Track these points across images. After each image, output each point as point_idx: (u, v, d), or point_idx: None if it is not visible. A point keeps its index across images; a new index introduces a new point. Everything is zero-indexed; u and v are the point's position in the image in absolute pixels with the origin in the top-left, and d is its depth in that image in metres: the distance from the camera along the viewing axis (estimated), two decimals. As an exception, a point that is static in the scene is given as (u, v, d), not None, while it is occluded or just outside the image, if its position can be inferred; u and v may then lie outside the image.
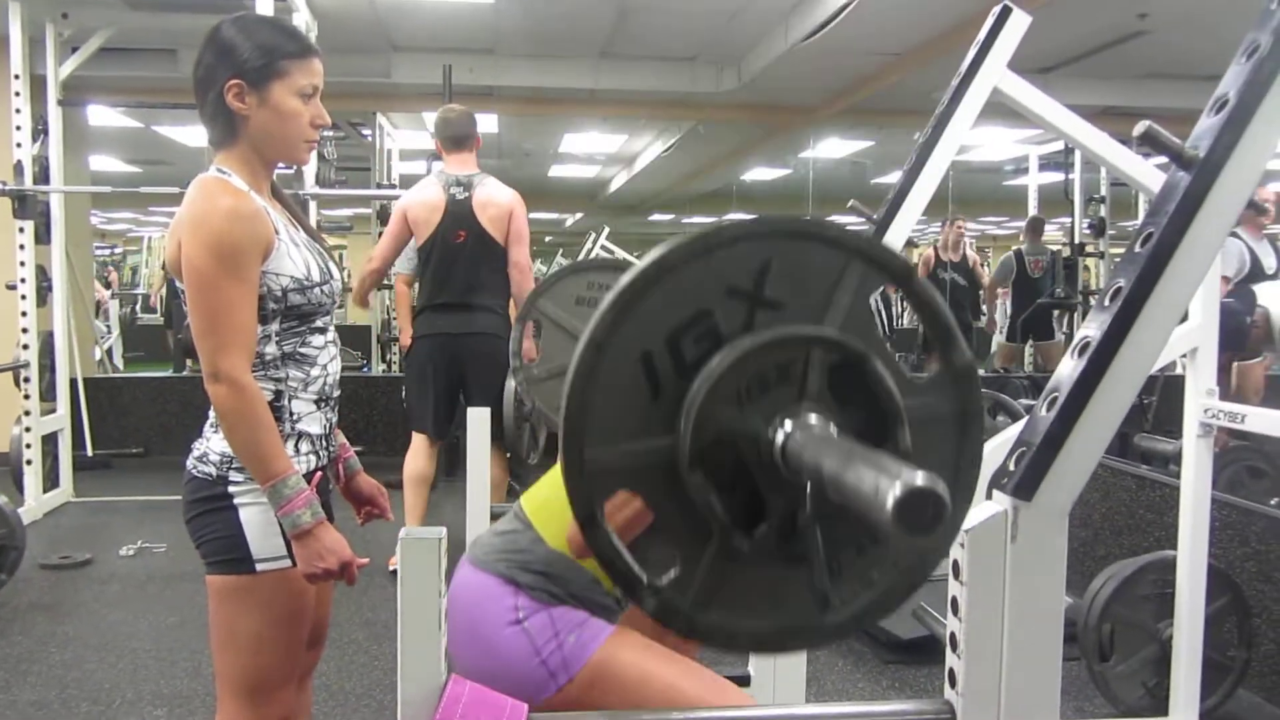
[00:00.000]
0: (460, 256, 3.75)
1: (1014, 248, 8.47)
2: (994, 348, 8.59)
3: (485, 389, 3.72)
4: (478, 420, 2.47)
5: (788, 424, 0.86)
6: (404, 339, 4.06)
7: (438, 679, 1.12)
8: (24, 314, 4.95)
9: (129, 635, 3.40)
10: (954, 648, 1.13)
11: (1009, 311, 8.39)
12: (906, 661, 3.22)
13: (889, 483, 0.69)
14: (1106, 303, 1.16)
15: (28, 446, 4.92)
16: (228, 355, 1.48)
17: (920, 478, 0.68)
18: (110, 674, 3.08)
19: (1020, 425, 1.24)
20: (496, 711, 1.13)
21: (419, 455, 3.94)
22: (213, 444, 1.58)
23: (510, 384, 3.61)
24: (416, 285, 4.13)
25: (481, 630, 1.55)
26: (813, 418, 0.86)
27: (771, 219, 0.89)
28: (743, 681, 2.23)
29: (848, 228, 0.91)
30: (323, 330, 1.65)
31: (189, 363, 8.64)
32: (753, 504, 0.88)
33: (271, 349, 1.58)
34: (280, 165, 1.69)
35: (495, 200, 3.76)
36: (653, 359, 0.86)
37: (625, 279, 0.85)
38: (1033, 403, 4.77)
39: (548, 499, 1.66)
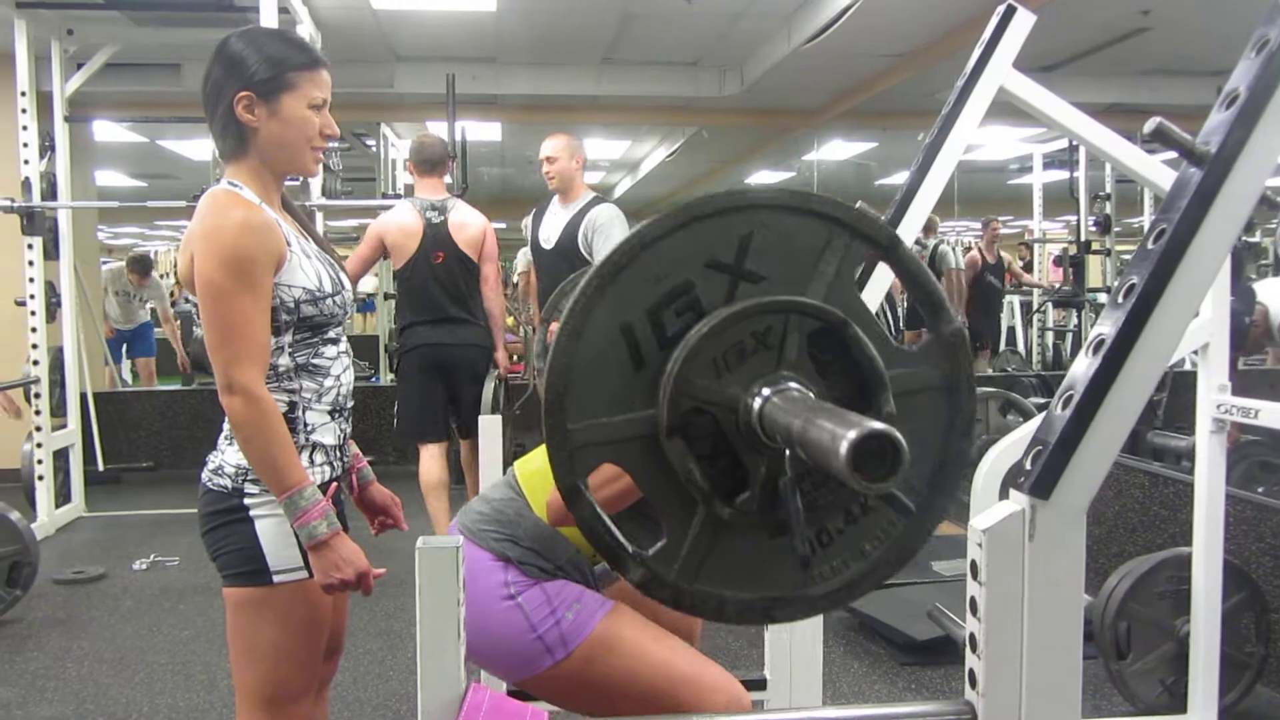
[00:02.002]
0: (439, 275, 3.99)
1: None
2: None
3: (469, 394, 4.03)
4: (489, 427, 2.47)
5: (765, 390, 0.86)
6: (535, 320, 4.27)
7: (457, 688, 1.12)
8: (33, 330, 4.97)
9: (144, 649, 3.41)
10: (974, 648, 1.13)
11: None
12: (922, 663, 3.21)
13: (845, 430, 0.70)
14: (1120, 300, 1.16)
15: (39, 462, 4.94)
16: (242, 367, 1.48)
17: (875, 424, 0.69)
18: (126, 688, 3.09)
19: (1033, 424, 1.23)
20: None
21: (430, 461, 4.06)
22: (227, 456, 1.58)
23: (489, 386, 3.97)
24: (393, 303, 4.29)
25: (473, 605, 1.56)
26: (791, 385, 0.86)
27: (753, 190, 0.88)
28: (759, 685, 2.23)
29: (831, 199, 0.90)
30: (335, 341, 1.66)
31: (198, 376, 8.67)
32: (735, 473, 0.88)
33: (285, 360, 1.59)
34: (289, 177, 1.70)
35: (470, 223, 4.04)
36: (634, 332, 0.87)
37: (607, 253, 0.85)
38: (1043, 401, 4.76)
39: (540, 468, 1.66)
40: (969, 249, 8.49)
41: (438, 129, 8.65)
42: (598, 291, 0.85)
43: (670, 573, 0.89)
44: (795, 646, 2.18)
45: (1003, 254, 8.56)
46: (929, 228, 8.78)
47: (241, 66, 1.54)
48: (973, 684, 1.13)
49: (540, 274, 4.33)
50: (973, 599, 1.13)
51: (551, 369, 0.84)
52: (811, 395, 0.86)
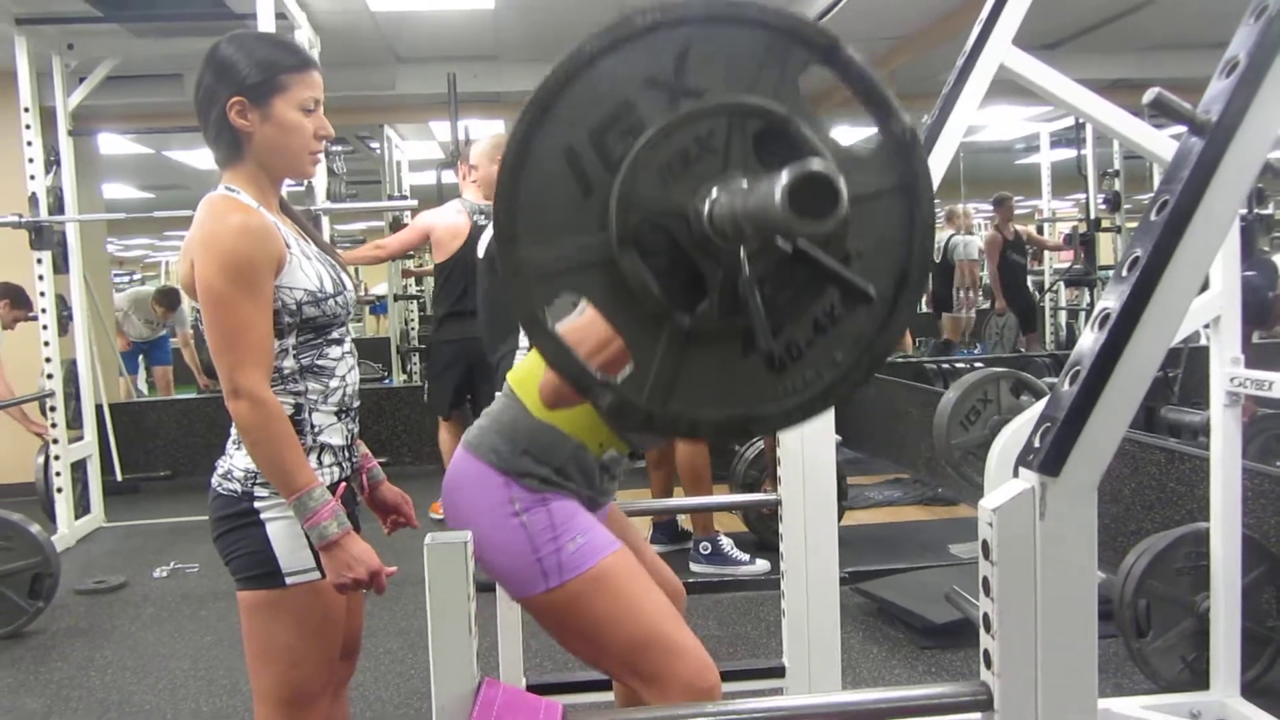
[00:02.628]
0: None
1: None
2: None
3: (487, 386, 4.28)
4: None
5: (714, 192, 0.84)
6: None
7: (470, 683, 1.12)
8: (46, 344, 4.99)
9: (167, 656, 3.43)
10: (988, 629, 1.12)
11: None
12: (942, 646, 3.20)
13: (779, 176, 0.69)
14: (1124, 273, 1.15)
15: (57, 474, 4.96)
16: (246, 371, 1.48)
17: (811, 163, 0.69)
18: (150, 695, 3.11)
19: (1044, 403, 1.23)
20: (531, 714, 1.13)
21: (447, 434, 4.61)
22: (236, 461, 1.59)
23: None
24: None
25: (478, 518, 1.57)
26: (740, 181, 0.85)
27: (681, 3, 0.87)
28: (778, 673, 2.23)
29: (767, 5, 0.88)
30: (339, 341, 1.66)
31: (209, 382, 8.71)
32: (694, 285, 0.87)
33: (289, 363, 1.59)
34: (288, 181, 1.70)
35: None
36: (579, 157, 0.85)
37: (542, 79, 0.84)
38: (1055, 381, 4.76)
39: (530, 369, 1.66)
40: (994, 229, 8.41)
41: (440, 129, 8.66)
42: (536, 118, 0.84)
43: (641, 397, 0.88)
44: (813, 633, 2.18)
45: (1018, 228, 8.52)
46: (955, 220, 8.74)
47: (232, 71, 1.54)
48: (988, 664, 1.13)
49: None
50: (985, 579, 1.12)
51: (498, 198, 0.83)
52: None
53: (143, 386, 8.54)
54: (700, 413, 0.91)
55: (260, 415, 1.48)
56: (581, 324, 0.94)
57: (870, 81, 0.89)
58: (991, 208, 8.66)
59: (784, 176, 0.69)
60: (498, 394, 1.72)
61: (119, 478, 5.93)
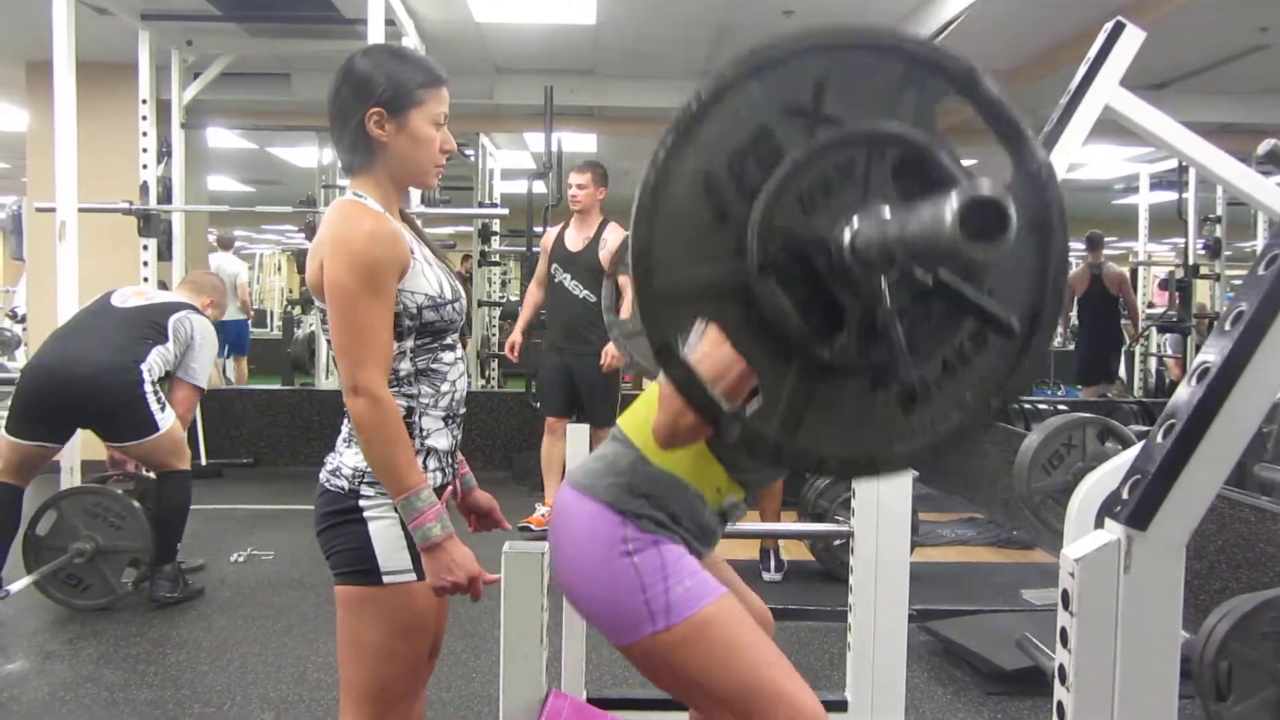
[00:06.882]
0: None
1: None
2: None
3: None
4: (576, 434, 2.50)
5: (855, 220, 0.83)
6: None
7: (538, 693, 1.14)
8: (146, 328, 5.16)
9: (238, 640, 3.52)
10: (1063, 680, 1.10)
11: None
12: (1010, 694, 3.13)
13: (949, 199, 0.68)
14: (1227, 327, 1.13)
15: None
16: (367, 370, 1.53)
17: (982, 186, 0.67)
18: (221, 676, 3.19)
19: (1131, 452, 1.20)
20: (596, 727, 1.14)
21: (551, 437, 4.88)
22: (345, 458, 1.63)
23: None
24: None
25: (590, 557, 1.55)
26: (882, 209, 0.83)
27: (821, 29, 0.85)
28: (840, 706, 2.20)
29: (907, 34, 0.87)
30: (452, 347, 1.70)
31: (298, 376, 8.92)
32: (830, 314, 0.85)
33: (406, 365, 1.63)
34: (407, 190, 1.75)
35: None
36: (716, 182, 0.85)
37: (682, 104, 0.83)
38: (1143, 429, 4.62)
39: (646, 416, 1.63)
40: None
41: (535, 140, 8.78)
42: (677, 143, 0.83)
43: (770, 429, 0.86)
44: (878, 670, 2.16)
45: (1111, 266, 8.18)
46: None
47: (370, 84, 1.60)
48: (1060, 717, 1.11)
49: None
50: (1063, 630, 1.10)
51: (636, 222, 0.83)
52: None
53: (230, 375, 8.76)
54: (827, 448, 0.89)
55: (378, 414, 1.52)
56: (695, 355, 0.94)
57: (1007, 115, 0.88)
58: (1084, 247, 8.44)
59: (954, 199, 0.68)
60: (605, 440, 1.72)
61: (204, 462, 6.10)
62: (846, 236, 0.83)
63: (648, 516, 1.55)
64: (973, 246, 0.68)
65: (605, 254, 4.58)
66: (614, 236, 4.69)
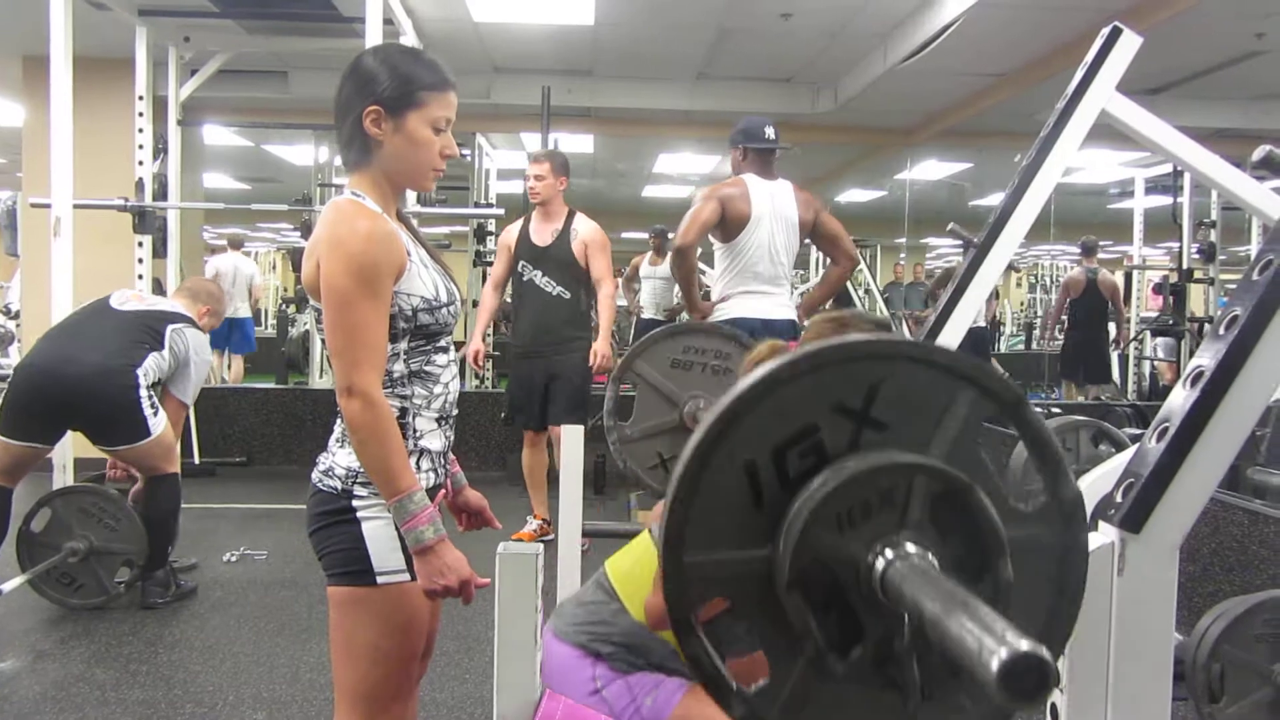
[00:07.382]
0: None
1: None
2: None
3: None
4: (570, 436, 2.50)
5: (888, 553, 0.85)
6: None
7: (533, 694, 1.14)
8: (140, 325, 5.15)
9: (231, 640, 3.51)
10: (1055, 682, 1.10)
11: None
12: (1001, 695, 3.13)
13: (994, 644, 0.67)
14: (1221, 331, 1.13)
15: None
16: (362, 371, 1.52)
17: (1025, 645, 0.66)
18: (213, 676, 3.18)
19: (1125, 455, 1.20)
20: (590, 728, 1.14)
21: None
22: (338, 459, 1.62)
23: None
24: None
25: (570, 693, 1.62)
26: (912, 548, 0.85)
27: (887, 341, 0.88)
28: None
29: (960, 354, 0.89)
30: (445, 350, 1.70)
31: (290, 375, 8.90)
32: (848, 625, 0.88)
33: (399, 367, 1.62)
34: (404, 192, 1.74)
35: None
36: (757, 469, 0.86)
37: (734, 390, 0.85)
38: (1137, 431, 4.63)
39: (631, 570, 1.71)
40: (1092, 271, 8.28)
41: (531, 140, 8.77)
42: (723, 431, 0.85)
43: (771, 712, 0.89)
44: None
45: (1102, 272, 8.34)
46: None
47: (373, 82, 1.58)
48: (1053, 719, 1.11)
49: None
50: (1057, 632, 1.10)
51: (674, 500, 0.85)
52: (933, 562, 0.84)
53: (225, 374, 8.73)
54: None
55: (371, 415, 1.51)
56: None
57: (1048, 445, 0.90)
58: (1079, 252, 8.49)
59: (1002, 654, 0.66)
60: (591, 580, 1.79)
61: (196, 460, 6.09)
62: (879, 566, 0.85)
63: (621, 660, 1.67)
64: (1011, 701, 0.67)
65: (579, 245, 4.44)
66: (585, 228, 4.50)
